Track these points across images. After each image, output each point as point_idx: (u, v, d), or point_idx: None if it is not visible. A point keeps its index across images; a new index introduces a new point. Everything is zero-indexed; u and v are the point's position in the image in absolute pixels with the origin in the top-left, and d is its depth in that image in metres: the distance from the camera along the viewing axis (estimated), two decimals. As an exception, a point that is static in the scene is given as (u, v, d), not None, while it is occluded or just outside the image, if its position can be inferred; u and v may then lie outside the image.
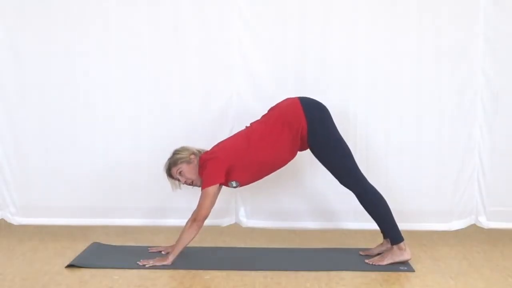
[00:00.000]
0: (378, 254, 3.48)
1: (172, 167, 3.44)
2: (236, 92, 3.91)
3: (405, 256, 3.38)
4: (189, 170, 3.42)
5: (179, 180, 3.45)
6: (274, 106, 3.50)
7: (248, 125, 3.51)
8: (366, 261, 3.41)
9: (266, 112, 3.52)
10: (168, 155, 3.49)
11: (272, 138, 3.36)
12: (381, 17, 3.84)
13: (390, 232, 3.41)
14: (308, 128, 3.34)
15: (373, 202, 3.40)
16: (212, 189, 3.33)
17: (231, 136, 3.55)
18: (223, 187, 3.48)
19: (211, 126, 3.88)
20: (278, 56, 3.88)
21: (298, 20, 3.85)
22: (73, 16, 3.86)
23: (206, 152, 3.46)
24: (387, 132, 3.90)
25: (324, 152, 3.40)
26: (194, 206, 3.38)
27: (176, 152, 3.47)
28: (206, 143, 3.58)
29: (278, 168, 3.50)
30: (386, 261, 3.37)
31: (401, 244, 3.38)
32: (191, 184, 3.45)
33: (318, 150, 3.41)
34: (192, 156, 3.44)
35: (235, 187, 3.46)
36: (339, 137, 3.41)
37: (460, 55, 3.84)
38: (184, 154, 3.44)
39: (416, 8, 3.83)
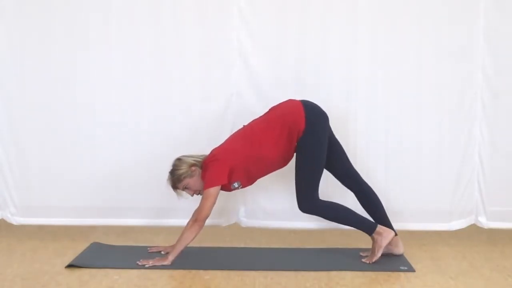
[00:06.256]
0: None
1: (177, 184, 3.42)
2: (236, 92, 3.91)
3: (387, 237, 3.38)
4: (194, 182, 3.42)
5: (185, 192, 3.46)
6: (275, 106, 3.50)
7: (246, 124, 3.51)
8: (363, 260, 3.42)
9: (266, 111, 3.52)
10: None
11: (273, 138, 3.37)
12: (381, 17, 3.83)
13: (361, 228, 3.42)
14: (304, 131, 3.34)
15: (331, 214, 3.47)
16: (214, 190, 3.33)
17: (230, 138, 3.54)
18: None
19: (211, 126, 3.87)
20: (278, 56, 3.88)
21: (298, 20, 3.84)
22: (73, 15, 3.85)
23: (207, 156, 3.45)
24: (387, 132, 3.90)
25: (303, 157, 3.40)
26: (194, 206, 3.39)
27: (175, 168, 3.43)
28: (206, 143, 3.58)
29: (280, 167, 3.51)
30: (377, 252, 3.38)
31: (377, 229, 3.39)
32: (199, 193, 3.45)
33: (300, 152, 3.40)
34: (193, 168, 3.42)
35: (237, 188, 3.46)
36: (325, 150, 3.41)
37: (460, 55, 3.84)
38: (184, 169, 3.41)
39: (416, 8, 3.82)
